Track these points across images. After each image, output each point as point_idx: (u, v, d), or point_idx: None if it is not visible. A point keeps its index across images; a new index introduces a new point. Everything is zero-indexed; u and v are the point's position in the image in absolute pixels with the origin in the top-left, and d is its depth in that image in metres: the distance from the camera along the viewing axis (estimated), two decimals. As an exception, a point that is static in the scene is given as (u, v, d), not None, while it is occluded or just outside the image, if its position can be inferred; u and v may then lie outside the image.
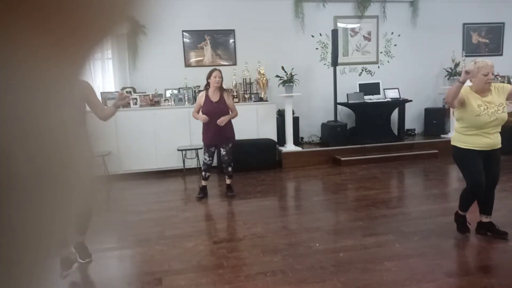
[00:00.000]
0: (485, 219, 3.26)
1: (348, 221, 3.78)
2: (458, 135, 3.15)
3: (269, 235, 3.44)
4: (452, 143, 3.22)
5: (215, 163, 6.09)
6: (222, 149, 4.61)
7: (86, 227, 2.95)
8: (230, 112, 4.54)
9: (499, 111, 2.96)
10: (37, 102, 0.23)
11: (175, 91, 6.43)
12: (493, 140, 3.03)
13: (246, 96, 6.66)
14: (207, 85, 4.50)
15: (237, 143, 4.89)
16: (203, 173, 4.72)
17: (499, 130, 3.07)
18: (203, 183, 4.78)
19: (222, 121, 4.42)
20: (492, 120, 2.96)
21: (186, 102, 6.35)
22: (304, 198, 4.95)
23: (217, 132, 4.46)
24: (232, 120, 4.59)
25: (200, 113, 4.49)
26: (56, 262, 2.73)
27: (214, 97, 4.47)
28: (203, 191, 4.80)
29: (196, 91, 6.49)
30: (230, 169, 4.69)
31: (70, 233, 2.82)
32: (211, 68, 4.71)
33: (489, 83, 2.95)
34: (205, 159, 4.65)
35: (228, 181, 4.80)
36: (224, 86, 4.67)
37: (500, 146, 3.11)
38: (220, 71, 4.52)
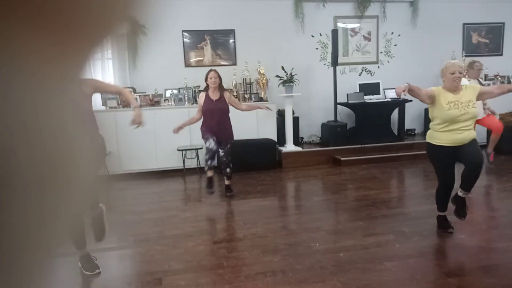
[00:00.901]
0: (460, 193, 3.28)
1: (348, 221, 3.78)
2: (432, 132, 3.27)
3: (269, 235, 3.44)
4: (426, 139, 3.32)
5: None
6: (220, 150, 4.55)
7: (82, 240, 2.88)
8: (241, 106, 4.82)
9: (469, 106, 3.10)
10: (38, 102, 0.23)
11: (175, 91, 6.44)
12: (465, 136, 3.12)
13: (246, 96, 6.66)
14: (207, 86, 4.55)
15: (237, 143, 4.89)
16: (208, 161, 4.37)
17: (472, 127, 3.15)
18: (209, 173, 4.53)
19: (263, 106, 5.00)
20: (462, 114, 3.07)
21: (186, 102, 6.36)
22: (304, 198, 4.95)
23: (217, 128, 4.47)
24: (232, 120, 4.62)
25: (198, 115, 4.60)
26: (58, 262, 2.72)
27: (214, 96, 4.51)
28: (211, 183, 4.57)
29: (196, 91, 6.50)
30: (228, 170, 4.67)
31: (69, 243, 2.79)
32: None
33: (456, 80, 3.11)
34: (209, 144, 4.35)
35: (227, 182, 4.79)
36: (225, 85, 4.68)
37: (474, 138, 3.16)
38: (215, 71, 4.53)
